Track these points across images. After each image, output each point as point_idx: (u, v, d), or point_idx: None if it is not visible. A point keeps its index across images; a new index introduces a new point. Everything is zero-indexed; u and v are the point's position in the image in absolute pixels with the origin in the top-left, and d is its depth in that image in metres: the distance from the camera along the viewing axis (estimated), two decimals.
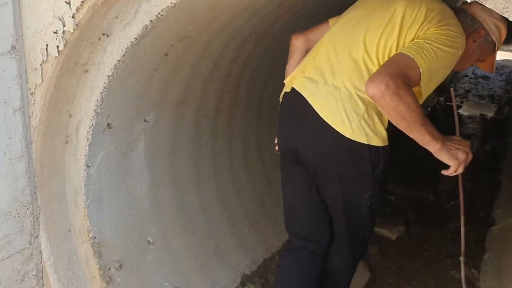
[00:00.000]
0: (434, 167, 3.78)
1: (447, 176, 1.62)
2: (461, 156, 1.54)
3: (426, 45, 1.47)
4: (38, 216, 1.82)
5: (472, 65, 2.06)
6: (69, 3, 1.50)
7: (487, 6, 1.23)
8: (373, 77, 1.43)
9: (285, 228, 1.92)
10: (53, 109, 1.71)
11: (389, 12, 1.58)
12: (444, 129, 1.58)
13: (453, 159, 1.53)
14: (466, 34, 1.59)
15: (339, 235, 1.84)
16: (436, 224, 3.15)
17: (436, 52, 1.46)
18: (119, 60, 1.62)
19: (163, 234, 2.15)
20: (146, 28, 1.55)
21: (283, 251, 1.99)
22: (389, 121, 1.56)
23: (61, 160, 1.81)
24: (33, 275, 1.86)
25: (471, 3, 1.68)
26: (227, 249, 2.47)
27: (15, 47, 1.61)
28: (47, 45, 1.59)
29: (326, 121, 1.55)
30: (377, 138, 1.55)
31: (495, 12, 1.23)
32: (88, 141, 1.75)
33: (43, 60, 1.62)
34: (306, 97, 1.61)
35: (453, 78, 7.15)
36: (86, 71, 1.68)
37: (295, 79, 1.70)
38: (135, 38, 1.58)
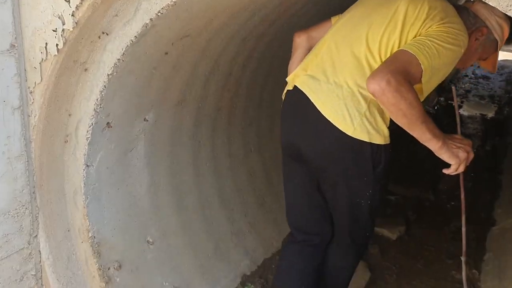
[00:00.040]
0: (434, 167, 3.79)
1: (448, 175, 1.61)
2: (462, 154, 1.53)
3: (428, 42, 1.47)
4: (37, 215, 1.81)
5: (471, 65, 2.06)
6: (68, 1, 1.49)
7: (490, 4, 1.23)
8: (374, 74, 1.43)
9: (287, 222, 1.94)
10: (52, 108, 1.70)
11: (392, 10, 1.58)
12: (444, 129, 1.57)
13: (454, 158, 1.53)
14: (469, 32, 1.59)
15: (339, 234, 1.84)
16: (436, 224, 3.14)
17: (438, 50, 1.46)
18: (119, 59, 1.61)
19: (162, 234, 2.14)
20: (146, 27, 1.55)
21: (286, 243, 2.01)
22: (391, 119, 1.56)
23: (61, 159, 1.80)
24: (32, 275, 1.85)
25: (473, 1, 1.68)
26: (227, 249, 2.46)
27: (14, 45, 1.60)
28: (46, 43, 1.58)
29: (328, 119, 1.55)
30: (379, 136, 1.55)
31: (498, 10, 1.22)
32: (87, 140, 1.74)
33: (43, 59, 1.61)
34: (308, 95, 1.61)
35: (453, 78, 7.15)
36: (85, 69, 1.67)
37: (298, 77, 1.70)
38: (135, 36, 1.57)
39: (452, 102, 1.92)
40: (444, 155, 1.52)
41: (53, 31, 1.55)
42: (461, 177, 1.86)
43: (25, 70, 1.66)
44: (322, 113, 1.56)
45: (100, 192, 1.86)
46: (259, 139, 2.94)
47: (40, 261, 1.86)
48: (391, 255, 2.78)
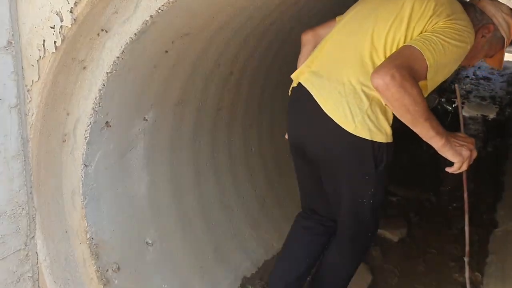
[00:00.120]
0: (436, 168, 3.77)
1: (451, 175, 1.61)
2: (465, 153, 1.53)
3: (434, 38, 1.46)
4: (34, 216, 1.79)
5: (473, 66, 2.06)
6: None
7: (497, 1, 1.21)
8: (378, 68, 1.42)
9: (301, 204, 2.05)
10: (50, 107, 1.68)
11: (398, 6, 1.58)
12: (446, 129, 1.56)
13: (457, 156, 1.52)
14: (475, 29, 1.59)
15: (340, 232, 1.84)
16: (438, 226, 3.12)
17: (443, 46, 1.45)
18: (118, 57, 1.59)
19: (162, 235, 2.12)
20: (146, 24, 1.53)
21: (297, 216, 2.07)
22: (393, 118, 1.56)
23: (58, 159, 1.78)
24: (28, 276, 1.83)
25: None
26: (227, 250, 2.44)
27: (11, 42, 1.58)
28: (44, 40, 1.55)
29: (330, 116, 1.55)
30: (380, 134, 1.55)
31: (505, 6, 1.21)
32: (86, 139, 1.72)
33: (40, 56, 1.58)
34: (311, 92, 1.62)
35: (454, 79, 7.14)
36: (84, 67, 1.65)
37: (302, 74, 1.71)
38: (135, 34, 1.55)
39: (455, 100, 1.93)
40: (447, 153, 1.51)
41: (51, 28, 1.52)
42: (464, 176, 1.85)
43: (22, 68, 1.63)
44: (324, 110, 1.57)
45: (98, 192, 1.84)
46: (259, 140, 2.92)
47: (37, 262, 1.84)
48: (392, 257, 2.76)
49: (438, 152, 1.52)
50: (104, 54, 1.61)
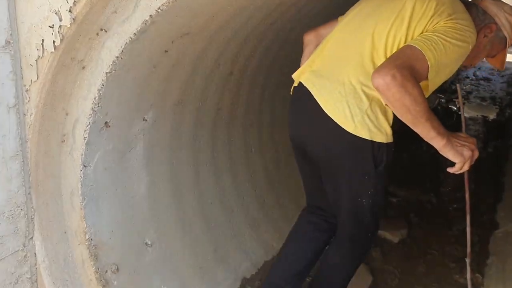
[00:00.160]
0: (437, 169, 3.76)
1: (452, 175, 1.60)
2: (467, 153, 1.52)
3: (435, 37, 1.45)
4: (32, 217, 1.78)
5: (475, 66, 2.06)
6: None
7: (500, 1, 1.20)
8: (379, 68, 1.41)
9: (306, 200, 2.06)
10: (49, 107, 1.67)
11: (399, 5, 1.57)
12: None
13: (458, 156, 1.51)
14: (477, 29, 1.58)
15: (340, 232, 1.84)
16: (439, 227, 3.11)
17: (445, 45, 1.44)
18: (117, 57, 1.58)
19: (161, 236, 2.11)
20: (145, 24, 1.52)
21: (302, 211, 2.08)
22: (394, 118, 1.55)
23: (57, 159, 1.77)
24: (27, 278, 1.81)
25: None
26: (226, 251, 2.43)
27: (9, 42, 1.56)
28: (43, 40, 1.54)
29: (330, 115, 1.55)
30: (380, 134, 1.54)
31: (508, 6, 1.21)
32: (85, 140, 1.71)
33: (39, 56, 1.57)
34: (311, 91, 1.62)
35: (454, 80, 7.12)
36: (83, 67, 1.64)
37: (303, 74, 1.71)
38: (134, 33, 1.54)
39: (456, 100, 1.93)
40: (448, 153, 1.51)
41: (50, 27, 1.51)
42: (465, 176, 1.84)
43: (20, 68, 1.62)
44: (324, 109, 1.57)
45: (97, 193, 1.83)
46: (259, 140, 2.91)
47: (36, 263, 1.83)
48: (393, 258, 2.75)
49: (440, 152, 1.51)
50: (104, 54, 1.60)
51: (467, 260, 2.05)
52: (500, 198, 3.42)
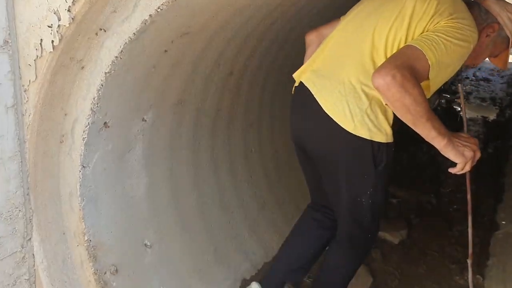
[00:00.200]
0: (437, 170, 3.75)
1: (453, 176, 1.60)
2: (468, 153, 1.51)
3: (436, 37, 1.44)
4: (31, 218, 1.76)
5: (477, 66, 2.05)
6: None
7: (502, 0, 1.19)
8: (379, 68, 1.40)
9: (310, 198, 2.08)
10: (47, 107, 1.65)
11: (400, 5, 1.56)
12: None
13: (459, 156, 1.50)
14: (480, 28, 1.57)
15: (340, 233, 1.84)
16: (439, 228, 3.10)
17: (445, 45, 1.43)
18: (116, 56, 1.57)
19: (160, 237, 2.10)
20: (145, 23, 1.50)
21: (307, 206, 2.09)
22: (394, 118, 1.55)
23: (56, 160, 1.76)
24: (25, 279, 1.80)
25: None
26: (226, 252, 2.42)
27: (7, 41, 1.55)
28: (41, 40, 1.52)
29: (329, 115, 1.55)
30: (380, 134, 1.54)
31: (510, 6, 1.20)
32: (84, 140, 1.69)
33: (37, 56, 1.55)
34: (312, 91, 1.61)
35: (454, 80, 7.11)
36: (82, 67, 1.62)
37: (304, 73, 1.71)
38: (134, 33, 1.53)
39: (457, 100, 1.92)
40: (449, 154, 1.49)
41: (49, 27, 1.50)
42: (467, 177, 1.83)
43: (19, 68, 1.60)
44: (324, 109, 1.57)
45: (96, 194, 1.81)
46: (259, 140, 2.90)
47: (34, 265, 1.81)
48: (393, 259, 2.74)
49: (441, 152, 1.50)
50: (103, 53, 1.59)
51: (469, 261, 2.04)
52: (501, 199, 3.41)
